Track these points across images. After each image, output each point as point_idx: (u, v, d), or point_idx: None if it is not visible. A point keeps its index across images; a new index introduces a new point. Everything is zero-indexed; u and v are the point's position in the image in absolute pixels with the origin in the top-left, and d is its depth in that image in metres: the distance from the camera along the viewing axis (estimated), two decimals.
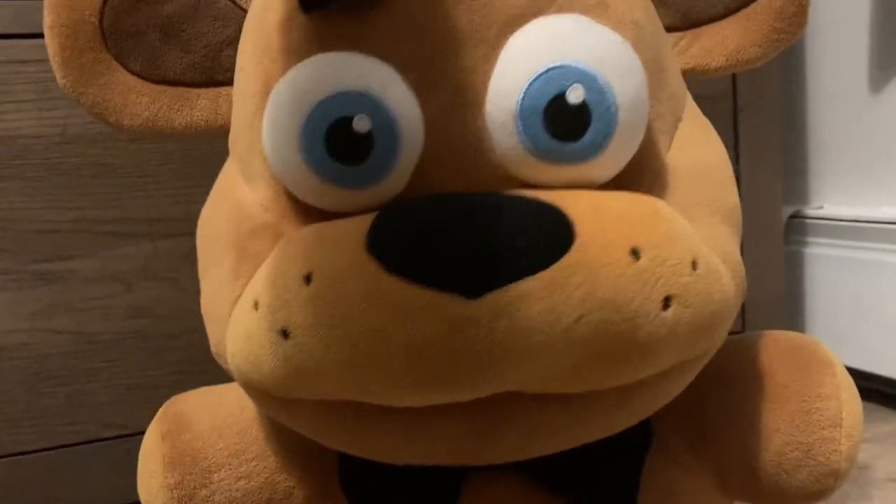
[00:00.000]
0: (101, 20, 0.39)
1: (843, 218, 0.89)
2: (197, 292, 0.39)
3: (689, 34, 0.40)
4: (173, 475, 0.40)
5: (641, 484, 0.40)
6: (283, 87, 0.34)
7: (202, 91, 0.41)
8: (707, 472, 0.41)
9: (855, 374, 0.42)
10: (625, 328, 0.31)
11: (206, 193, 0.41)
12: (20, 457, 0.63)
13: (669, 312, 0.31)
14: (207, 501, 0.40)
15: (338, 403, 0.33)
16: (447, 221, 0.30)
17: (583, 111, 0.32)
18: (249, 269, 0.35)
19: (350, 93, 0.32)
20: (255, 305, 0.33)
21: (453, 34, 0.33)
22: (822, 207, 0.95)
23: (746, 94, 0.81)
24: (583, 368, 0.31)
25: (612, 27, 0.34)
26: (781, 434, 0.40)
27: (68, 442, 0.64)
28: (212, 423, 0.42)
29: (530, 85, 0.32)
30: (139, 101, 0.40)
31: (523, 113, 0.32)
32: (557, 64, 0.32)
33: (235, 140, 0.38)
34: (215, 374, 0.39)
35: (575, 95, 0.32)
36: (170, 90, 0.41)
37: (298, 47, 0.34)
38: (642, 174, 0.35)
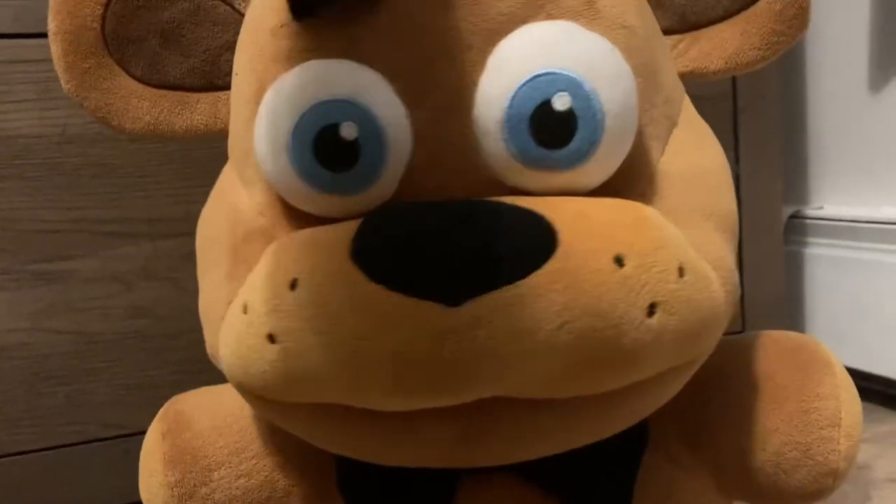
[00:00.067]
0: (102, 26, 0.40)
1: (842, 218, 0.89)
2: (197, 292, 0.39)
3: (687, 37, 0.40)
4: (174, 473, 0.41)
5: (639, 484, 0.40)
6: (272, 94, 0.34)
7: (202, 95, 0.42)
8: (705, 472, 0.41)
9: (854, 374, 0.42)
10: (609, 335, 0.31)
11: (206, 193, 0.41)
12: (19, 456, 0.63)
13: (655, 319, 0.31)
14: (207, 499, 0.41)
15: (327, 406, 0.34)
16: (429, 229, 0.30)
17: (569, 118, 0.32)
18: (243, 273, 0.35)
19: (338, 100, 0.32)
20: (245, 309, 0.34)
21: (442, 41, 0.33)
22: (821, 208, 0.95)
23: (746, 94, 0.81)
24: (567, 375, 0.31)
25: (602, 33, 0.34)
26: (780, 434, 0.40)
27: (68, 442, 0.64)
28: (212, 422, 0.42)
29: (516, 92, 0.32)
30: (140, 106, 0.41)
31: (510, 120, 0.32)
32: (544, 71, 0.32)
33: (233, 144, 0.39)
34: (215, 374, 0.39)
35: (561, 102, 0.32)
36: (170, 94, 0.42)
37: (289, 54, 0.34)
38: (633, 180, 0.35)
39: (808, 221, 0.94)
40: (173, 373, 0.65)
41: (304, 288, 0.31)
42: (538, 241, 0.30)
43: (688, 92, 0.40)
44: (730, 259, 0.37)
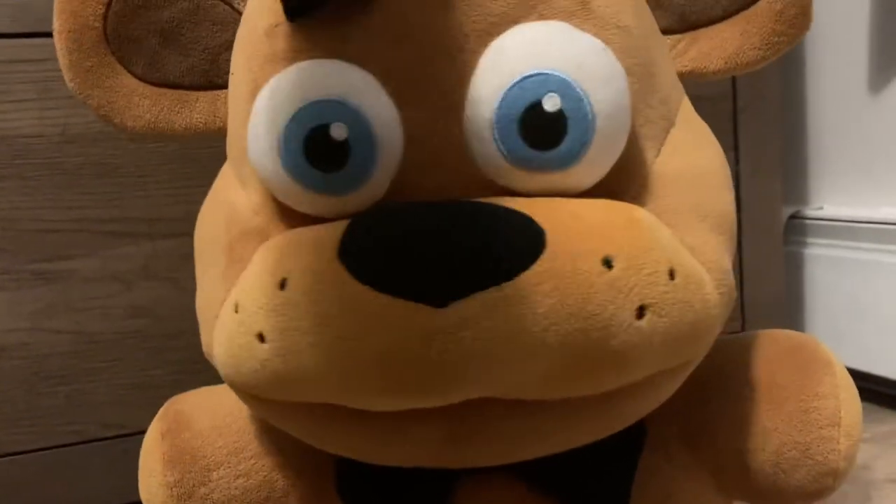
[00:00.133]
0: (104, 25, 0.40)
1: (842, 218, 0.89)
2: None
3: (686, 37, 0.40)
4: (173, 473, 0.41)
5: (639, 484, 0.40)
6: (265, 94, 0.34)
7: (201, 94, 0.42)
8: (704, 472, 0.41)
9: (853, 374, 0.42)
10: (596, 337, 0.31)
11: (206, 193, 0.41)
12: (19, 456, 0.63)
13: (644, 321, 0.31)
14: (206, 499, 0.41)
15: (318, 406, 0.34)
16: (416, 231, 0.30)
17: (559, 119, 0.32)
18: (238, 272, 0.36)
19: (328, 101, 0.33)
20: (236, 308, 0.34)
21: (434, 42, 0.33)
22: (821, 208, 0.95)
23: (746, 94, 0.81)
24: (556, 376, 0.31)
25: (595, 33, 0.33)
26: (779, 433, 0.40)
27: (67, 442, 0.64)
28: (211, 421, 0.42)
29: (507, 93, 0.32)
30: (141, 104, 0.42)
31: (500, 121, 0.32)
32: (534, 72, 0.32)
33: (231, 143, 0.39)
34: (215, 374, 0.39)
35: (551, 104, 0.32)
36: (170, 93, 0.42)
37: (282, 55, 0.34)
38: (627, 181, 0.35)
39: (808, 222, 0.94)
40: (173, 373, 0.65)
41: (292, 288, 0.32)
42: (526, 242, 0.30)
43: (687, 92, 0.40)
44: (725, 260, 0.36)
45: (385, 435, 0.34)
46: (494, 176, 0.33)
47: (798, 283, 0.94)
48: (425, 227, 0.30)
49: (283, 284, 0.32)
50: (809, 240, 0.94)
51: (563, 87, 0.32)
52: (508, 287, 0.30)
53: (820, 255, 0.92)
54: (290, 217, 0.35)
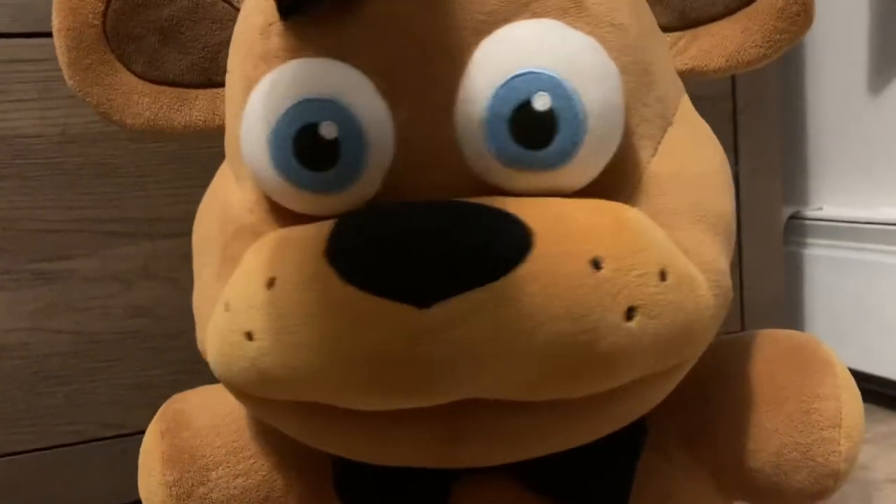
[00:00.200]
0: (103, 23, 0.41)
1: (842, 219, 0.89)
2: None
3: (687, 34, 0.40)
4: (172, 473, 0.41)
5: (639, 484, 0.39)
6: (257, 93, 0.34)
7: (200, 92, 0.42)
8: (704, 472, 0.41)
9: (854, 374, 0.42)
10: (584, 339, 0.30)
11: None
12: (18, 456, 0.63)
13: (634, 323, 0.31)
14: (205, 499, 0.41)
15: (309, 405, 0.34)
16: (402, 231, 0.30)
17: (549, 118, 0.32)
18: (231, 270, 0.36)
19: (318, 99, 0.33)
20: (227, 307, 0.34)
21: (425, 41, 0.33)
22: (821, 208, 0.95)
23: (746, 95, 0.81)
24: (544, 378, 0.31)
25: (588, 31, 0.33)
26: (780, 435, 0.40)
27: (67, 442, 0.64)
28: (210, 420, 0.42)
29: (496, 92, 0.32)
30: (141, 101, 0.42)
31: (490, 120, 0.32)
32: (524, 71, 0.32)
33: (228, 141, 0.39)
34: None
35: (541, 103, 0.32)
36: (169, 91, 0.42)
37: (275, 53, 0.34)
38: (621, 180, 0.35)
39: (808, 222, 0.94)
40: (173, 373, 0.65)
41: (279, 287, 0.32)
42: (512, 243, 0.30)
43: (687, 91, 0.39)
44: (721, 261, 0.36)
45: (376, 434, 0.34)
46: (486, 175, 0.33)
47: (798, 283, 0.94)
48: (412, 227, 0.30)
49: (270, 283, 0.32)
50: (809, 240, 0.94)
51: (553, 85, 0.32)
52: (494, 288, 0.29)
53: (820, 256, 0.92)
54: (283, 215, 0.35)
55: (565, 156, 0.32)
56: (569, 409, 0.33)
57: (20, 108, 0.62)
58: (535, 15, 0.33)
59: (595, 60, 0.33)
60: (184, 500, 0.41)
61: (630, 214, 0.33)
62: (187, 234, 0.41)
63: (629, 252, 0.31)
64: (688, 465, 0.41)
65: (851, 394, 0.40)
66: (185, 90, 0.42)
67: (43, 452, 0.63)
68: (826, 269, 0.91)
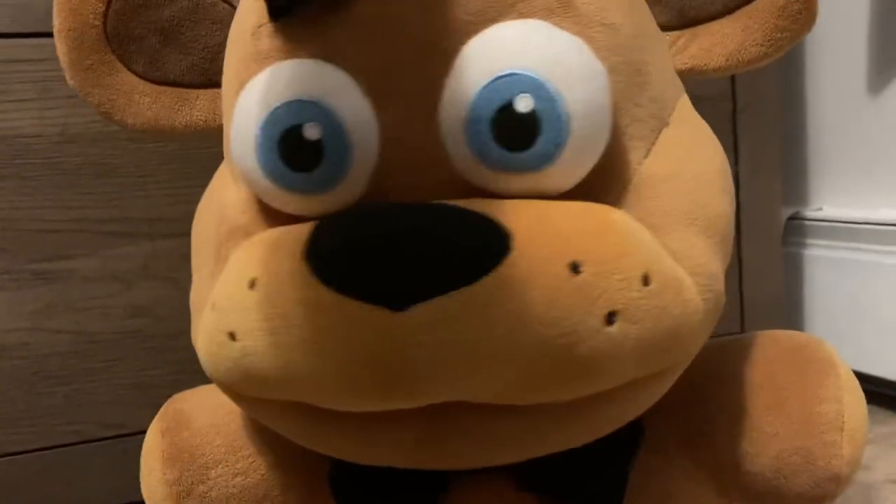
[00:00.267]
0: (104, 24, 0.41)
1: (841, 220, 0.89)
2: None
3: (686, 33, 0.39)
4: (172, 471, 0.41)
5: (637, 486, 0.39)
6: (245, 93, 0.34)
7: (201, 92, 0.43)
8: (704, 475, 0.41)
9: (854, 375, 0.42)
10: (562, 344, 0.30)
11: None
12: (18, 456, 0.63)
13: (614, 328, 0.31)
14: (205, 497, 0.41)
15: (293, 404, 0.34)
16: (378, 233, 0.30)
17: (531, 120, 0.31)
18: (223, 270, 0.36)
19: (302, 101, 0.33)
20: (213, 306, 0.34)
21: (412, 42, 0.33)
22: (820, 209, 0.95)
23: (745, 95, 0.81)
24: (522, 383, 0.31)
25: (576, 31, 0.33)
26: (780, 438, 0.39)
27: (67, 442, 0.64)
28: (210, 419, 0.42)
29: (479, 93, 0.32)
30: (142, 101, 0.42)
31: (472, 122, 0.32)
32: (507, 72, 0.32)
33: (224, 141, 0.39)
34: None
35: (523, 104, 0.31)
36: (170, 91, 0.42)
37: (265, 54, 0.34)
38: (610, 182, 0.34)
39: (807, 223, 0.94)
40: (173, 373, 0.65)
41: (260, 288, 0.32)
42: (490, 246, 0.30)
43: (686, 92, 0.39)
44: (714, 265, 0.36)
45: (358, 435, 0.34)
46: (470, 176, 0.33)
47: (797, 284, 0.94)
48: (389, 229, 0.30)
49: (252, 284, 0.32)
50: (809, 241, 0.93)
51: (535, 87, 0.31)
52: (471, 291, 0.29)
53: (819, 257, 0.92)
54: (274, 216, 0.35)
55: (548, 158, 0.32)
56: (556, 412, 0.33)
57: (19, 108, 0.62)
58: (522, 15, 0.33)
59: (580, 61, 0.32)
60: (184, 498, 0.41)
61: (615, 217, 0.33)
62: (187, 234, 0.41)
63: (611, 256, 0.31)
64: (687, 467, 0.41)
65: (854, 396, 0.40)
66: (186, 90, 0.42)
67: (43, 452, 0.63)
68: (825, 269, 0.91)
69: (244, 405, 0.37)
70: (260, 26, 0.35)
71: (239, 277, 0.33)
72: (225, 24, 0.41)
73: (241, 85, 0.35)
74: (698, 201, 0.36)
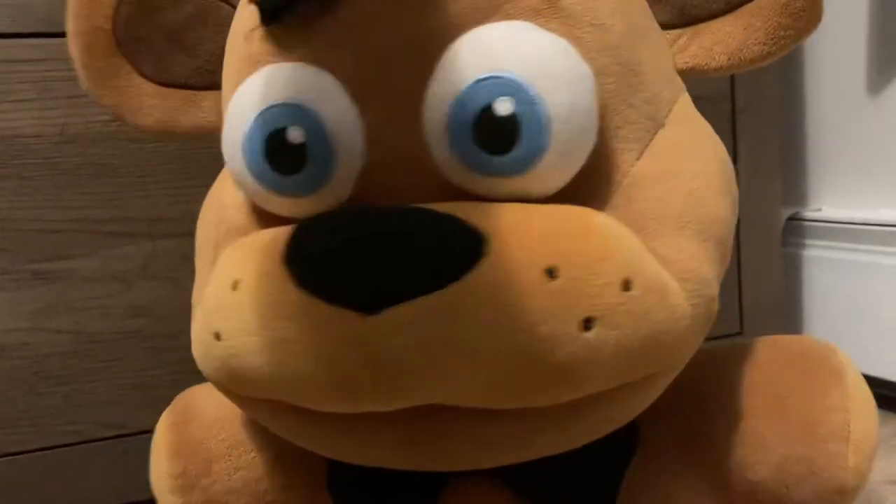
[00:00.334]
0: (114, 28, 0.42)
1: (841, 220, 0.89)
2: None
3: (688, 31, 0.39)
4: (177, 464, 0.42)
5: (635, 494, 0.39)
6: (234, 97, 0.35)
7: (207, 94, 0.43)
8: (704, 485, 0.40)
9: None
10: (536, 349, 0.30)
11: (206, 193, 0.41)
12: (18, 456, 0.63)
13: (592, 334, 0.30)
14: (208, 490, 0.41)
15: (278, 402, 0.34)
16: (352, 237, 0.30)
17: (511, 124, 0.31)
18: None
19: (287, 104, 0.33)
20: (202, 306, 0.35)
21: (396, 44, 0.33)
22: (820, 209, 0.95)
23: (745, 94, 0.81)
24: (497, 388, 0.31)
25: (563, 32, 0.33)
26: (781, 446, 0.39)
27: (67, 442, 0.64)
28: (216, 414, 0.43)
29: (461, 96, 0.32)
30: (150, 103, 0.43)
31: (453, 125, 0.32)
32: (488, 75, 0.31)
33: None
34: None
35: (503, 108, 0.31)
36: (177, 93, 0.43)
37: (256, 58, 0.35)
38: (597, 185, 0.34)
39: (807, 223, 0.94)
40: (173, 372, 0.65)
41: (242, 290, 0.32)
42: (463, 250, 0.30)
43: (687, 91, 0.39)
44: (705, 269, 0.35)
45: (345, 434, 0.34)
46: (455, 179, 0.33)
47: (796, 284, 0.94)
48: (363, 233, 0.30)
49: (235, 286, 0.33)
50: (808, 241, 0.93)
51: (516, 90, 0.31)
52: (444, 295, 0.29)
53: (818, 257, 0.92)
54: (269, 216, 0.36)
55: (529, 161, 0.32)
56: (542, 417, 0.33)
57: (19, 108, 0.62)
58: (508, 16, 0.33)
59: (565, 63, 0.32)
60: (188, 490, 0.41)
61: (598, 220, 0.33)
62: (187, 234, 0.41)
63: (590, 260, 0.31)
64: (686, 473, 0.40)
65: (862, 405, 0.39)
66: (193, 92, 0.43)
67: (43, 452, 0.63)
68: (825, 270, 0.91)
69: (238, 402, 0.38)
70: (252, 30, 0.35)
71: (224, 279, 0.33)
72: (229, 26, 0.41)
73: (235, 87, 0.35)
74: (693, 204, 0.35)
